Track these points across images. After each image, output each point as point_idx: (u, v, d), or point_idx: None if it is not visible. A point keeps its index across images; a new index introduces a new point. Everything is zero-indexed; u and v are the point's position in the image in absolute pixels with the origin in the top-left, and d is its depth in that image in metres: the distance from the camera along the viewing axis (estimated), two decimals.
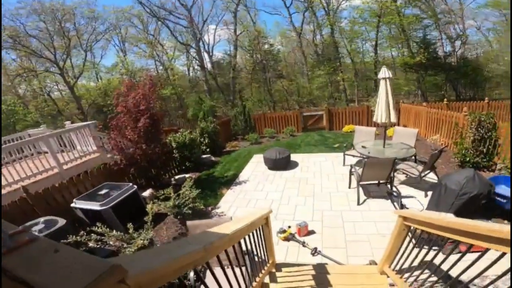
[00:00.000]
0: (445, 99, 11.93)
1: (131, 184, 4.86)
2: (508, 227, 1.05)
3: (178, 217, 4.62)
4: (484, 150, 5.41)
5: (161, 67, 22.68)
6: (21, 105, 18.34)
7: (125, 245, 3.46)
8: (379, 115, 5.35)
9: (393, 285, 2.43)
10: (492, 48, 19.75)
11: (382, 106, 5.26)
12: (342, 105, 17.22)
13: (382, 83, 5.22)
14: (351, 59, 20.18)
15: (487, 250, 1.24)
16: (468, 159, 5.55)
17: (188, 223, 2.83)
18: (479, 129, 5.39)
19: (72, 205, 4.45)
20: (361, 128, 7.04)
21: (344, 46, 20.08)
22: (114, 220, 4.22)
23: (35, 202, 4.36)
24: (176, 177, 6.64)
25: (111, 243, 3.87)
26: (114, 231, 3.55)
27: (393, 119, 5.25)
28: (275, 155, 6.76)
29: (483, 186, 3.78)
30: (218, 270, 1.39)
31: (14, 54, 18.23)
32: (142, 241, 3.54)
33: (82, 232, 3.43)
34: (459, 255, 1.49)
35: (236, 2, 20.14)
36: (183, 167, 7.53)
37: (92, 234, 3.40)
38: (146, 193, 5.70)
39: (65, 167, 6.25)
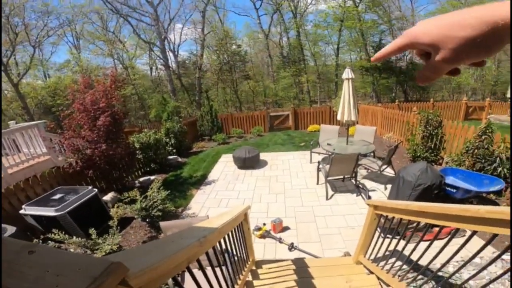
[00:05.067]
0: (397, 100, 13.10)
1: (90, 187, 4.45)
2: (476, 206, 1.16)
3: (147, 220, 4.37)
4: (432, 145, 5.99)
5: (120, 66, 21.24)
6: None
7: (89, 252, 3.16)
8: (343, 113, 5.61)
9: (370, 273, 2.54)
10: None
11: (345, 105, 5.51)
12: (306, 106, 17.91)
13: (345, 83, 5.44)
14: (314, 61, 21.08)
15: (457, 230, 1.34)
16: (418, 154, 6.10)
17: (162, 223, 2.68)
18: (427, 126, 5.94)
19: (22, 211, 3.93)
20: (326, 126, 7.35)
21: (308, 48, 20.89)
22: (72, 226, 3.84)
23: None
24: (141, 179, 6.27)
25: (71, 250, 3.52)
26: (74, 237, 3.24)
27: (355, 117, 5.55)
28: (244, 154, 6.75)
29: (435, 177, 4.17)
30: (196, 272, 1.31)
31: None
32: (109, 246, 3.28)
33: (35, 241, 3.06)
34: (427, 243, 1.62)
35: (206, 1, 19.77)
36: (148, 169, 7.15)
37: (49, 242, 3.05)
38: (108, 196, 5.30)
39: (10, 171, 5.50)
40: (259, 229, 3.93)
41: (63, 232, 3.21)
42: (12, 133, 6.25)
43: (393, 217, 2.06)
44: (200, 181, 6.36)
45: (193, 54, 22.74)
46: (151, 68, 23.96)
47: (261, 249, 3.66)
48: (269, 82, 22.85)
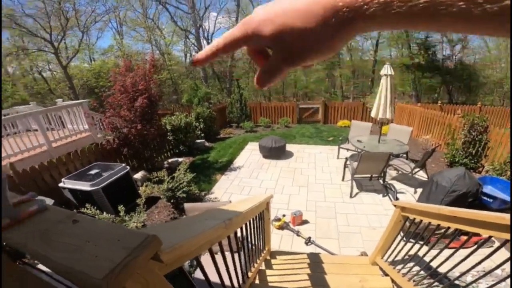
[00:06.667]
0: (439, 102, 12.16)
1: (123, 164, 4.71)
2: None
3: (171, 201, 4.55)
4: (473, 152, 5.57)
5: (157, 52, 22.08)
6: (9, 83, 17.63)
7: None
8: (378, 110, 5.39)
9: (384, 275, 2.49)
10: (491, 54, 19.62)
11: (381, 102, 5.30)
12: (337, 101, 17.33)
13: (383, 79, 5.22)
14: (350, 56, 20.15)
15: (487, 239, 1.29)
16: (457, 159, 5.72)
17: (186, 205, 2.79)
18: (471, 131, 5.53)
19: (61, 184, 4.21)
20: (358, 122, 7.06)
21: None
22: (104, 201, 4.08)
23: (22, 180, 4.12)
24: (169, 160, 6.56)
25: None
26: (104, 213, 3.44)
27: (390, 115, 5.30)
28: (270, 143, 6.74)
29: (472, 185, 3.90)
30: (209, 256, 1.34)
31: (8, 34, 17.45)
32: (135, 224, 3.47)
33: None
34: (450, 251, 1.60)
35: None
36: (177, 151, 7.45)
37: None
38: (138, 175, 5.61)
39: (54, 144, 6.05)
40: (278, 220, 3.96)
41: (95, 208, 3.40)
42: (59, 109, 6.83)
43: (421, 221, 2.00)
44: (225, 166, 6.49)
45: None
46: (185, 55, 24.62)
47: (277, 240, 3.70)
48: (300, 74, 22.37)
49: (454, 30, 0.20)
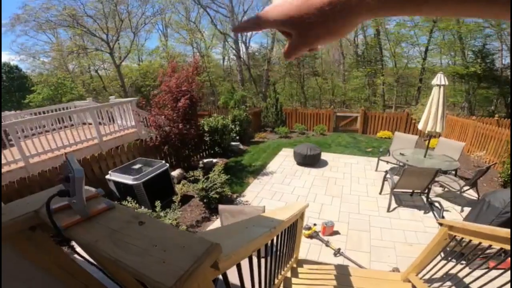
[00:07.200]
0: (496, 115, 10.96)
1: (163, 161, 4.96)
2: None
3: (204, 200, 4.66)
4: None
5: (198, 54, 23.07)
6: (69, 79, 19.74)
7: None
8: (426, 123, 5.02)
9: None
10: None
11: (431, 114, 4.94)
12: (378, 110, 16.40)
13: (435, 90, 4.89)
14: (394, 63, 18.99)
15: None
16: None
17: (220, 206, 2.86)
18: None
19: (107, 176, 4.55)
20: (401, 134, 6.65)
21: (388, 49, 18.86)
22: (143, 196, 4.30)
23: None
24: (205, 160, 6.74)
25: None
26: (143, 207, 3.62)
27: (441, 129, 4.92)
28: (306, 150, 6.63)
29: None
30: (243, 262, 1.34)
31: (70, 33, 19.52)
32: (170, 221, 3.60)
33: None
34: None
35: None
36: (212, 152, 7.66)
37: None
38: (175, 172, 5.86)
39: (104, 138, 6.60)
40: (309, 228, 3.91)
41: (135, 201, 3.59)
42: (112, 106, 7.45)
43: (470, 241, 1.93)
44: (258, 170, 6.52)
45: (263, 47, 23.19)
46: (223, 58, 25.40)
47: (305, 248, 3.66)
48: (338, 81, 21.71)
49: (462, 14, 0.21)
